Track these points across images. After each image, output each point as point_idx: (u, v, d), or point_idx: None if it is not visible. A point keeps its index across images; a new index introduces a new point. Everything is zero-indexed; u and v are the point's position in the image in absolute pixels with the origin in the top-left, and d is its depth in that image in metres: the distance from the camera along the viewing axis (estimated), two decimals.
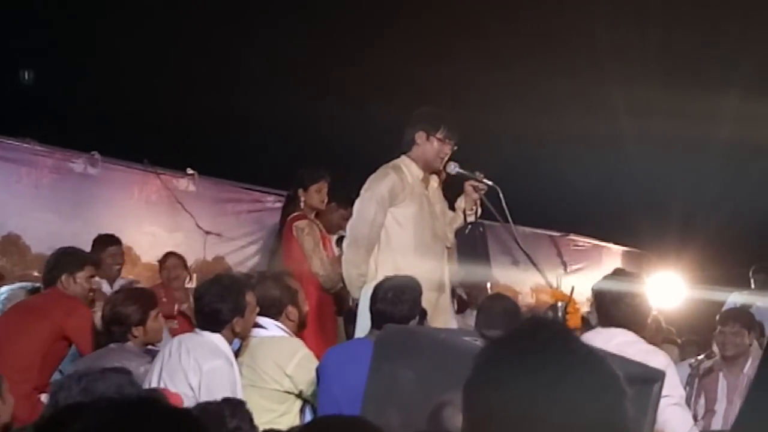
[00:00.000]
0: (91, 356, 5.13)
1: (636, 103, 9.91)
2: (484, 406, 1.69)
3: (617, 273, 5.06)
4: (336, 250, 6.96)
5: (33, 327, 5.45)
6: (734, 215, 10.52)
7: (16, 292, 6.20)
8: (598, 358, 1.71)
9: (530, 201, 7.97)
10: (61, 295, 5.66)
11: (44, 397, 4.96)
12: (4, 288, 6.37)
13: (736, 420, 3.15)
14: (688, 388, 6.34)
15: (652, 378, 3.43)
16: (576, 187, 10.15)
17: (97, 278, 6.08)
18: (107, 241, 7.39)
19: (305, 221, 6.86)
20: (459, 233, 6.17)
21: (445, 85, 9.17)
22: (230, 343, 5.01)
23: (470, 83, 9.38)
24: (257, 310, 5.13)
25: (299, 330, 5.57)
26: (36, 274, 7.26)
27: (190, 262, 8.13)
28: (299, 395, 5.25)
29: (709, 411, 6.42)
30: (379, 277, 5.43)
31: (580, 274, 10.75)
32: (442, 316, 6.09)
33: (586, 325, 5.25)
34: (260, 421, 4.86)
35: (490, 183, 5.97)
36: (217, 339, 4.92)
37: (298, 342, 5.39)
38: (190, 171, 8.98)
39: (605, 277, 4.86)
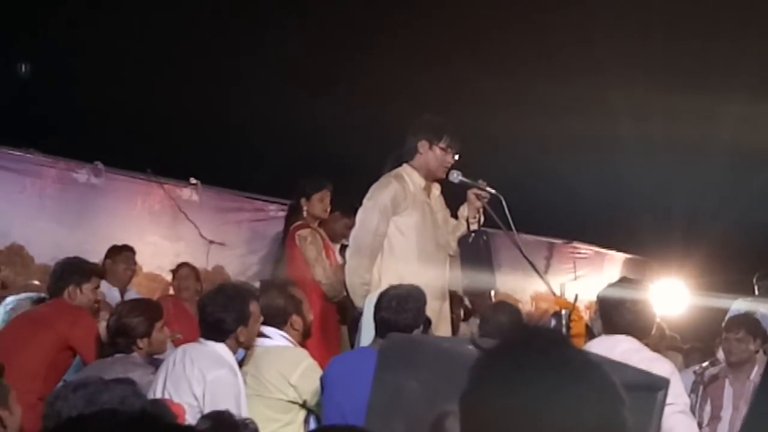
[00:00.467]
0: (95, 366, 5.14)
1: (638, 109, 9.91)
2: (479, 417, 1.69)
3: (622, 281, 5.06)
4: (339, 258, 6.96)
5: (38, 337, 5.46)
6: (737, 221, 10.51)
7: (21, 302, 6.20)
8: (594, 367, 1.70)
9: (532, 208, 7.97)
10: (67, 306, 5.67)
11: None
12: (10, 298, 6.37)
13: (742, 427, 3.14)
14: (692, 396, 6.33)
15: (657, 386, 3.41)
16: (578, 194, 10.15)
17: (106, 286, 6.10)
18: (122, 247, 7.54)
19: (308, 230, 6.87)
20: (462, 241, 6.17)
21: (447, 93, 9.18)
22: (234, 352, 5.01)
23: (472, 90, 9.39)
24: (261, 319, 5.14)
25: (304, 339, 5.57)
26: (39, 283, 7.28)
27: None
28: (303, 405, 5.24)
29: (715, 418, 6.40)
30: (383, 286, 5.43)
31: (583, 282, 10.74)
32: (445, 324, 6.10)
33: (589, 333, 5.25)
34: (265, 430, 4.88)
35: (493, 191, 5.98)
36: (221, 349, 4.92)
37: (302, 352, 5.39)
38: (193, 180, 9.00)
39: (609, 285, 4.86)
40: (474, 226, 6.16)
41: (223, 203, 9.31)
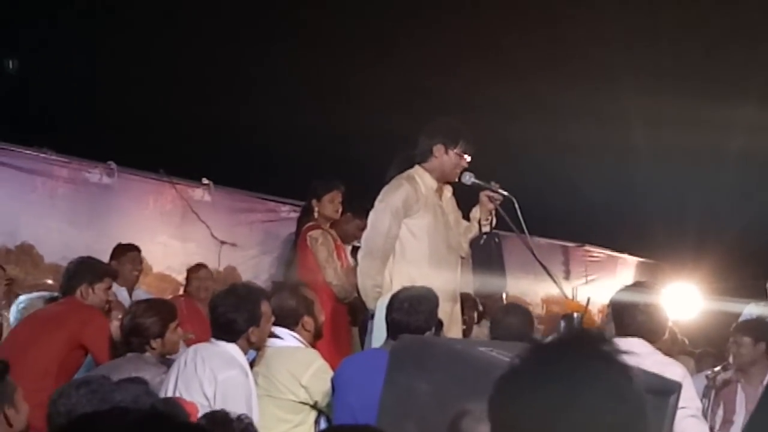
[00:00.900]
0: (107, 365, 5.14)
1: (650, 114, 9.89)
2: (508, 417, 1.70)
3: (636, 285, 5.04)
4: (351, 260, 6.96)
5: (50, 336, 5.47)
6: (750, 226, 10.48)
7: (33, 302, 6.22)
8: (628, 372, 1.72)
9: (545, 211, 7.96)
10: (79, 305, 5.68)
11: None
12: (22, 297, 6.39)
13: (746, 426, 3.14)
14: (705, 400, 6.30)
15: (669, 389, 3.41)
16: (591, 198, 10.13)
17: (114, 286, 6.11)
18: (127, 247, 7.53)
19: (319, 231, 6.88)
20: (474, 243, 6.15)
21: (460, 96, 9.17)
22: (246, 352, 5.01)
23: (485, 94, 9.37)
24: (273, 320, 5.14)
25: (315, 340, 5.57)
26: (51, 282, 7.29)
27: None
28: (314, 406, 5.24)
29: (727, 422, 6.38)
30: (394, 289, 5.43)
31: (595, 285, 10.73)
32: (456, 326, 6.09)
33: None
34: (275, 431, 4.88)
35: (505, 193, 5.96)
36: (232, 349, 4.92)
37: (313, 353, 5.39)
38: (205, 181, 9.01)
39: (622, 288, 4.85)
40: (486, 228, 6.15)
41: (235, 204, 9.31)
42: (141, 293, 7.36)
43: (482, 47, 9.55)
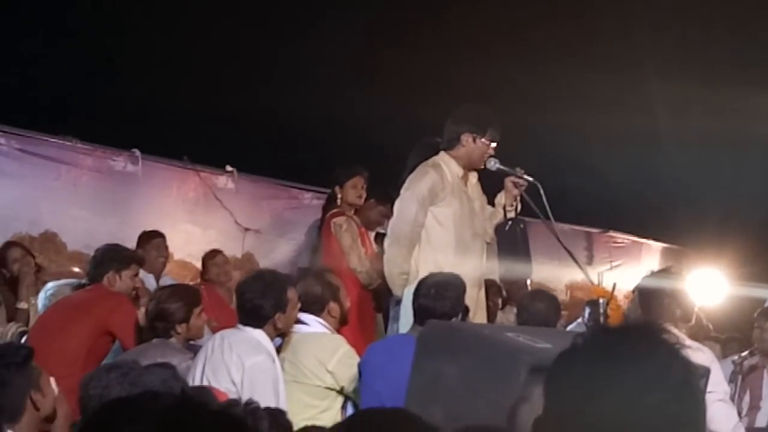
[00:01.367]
0: (133, 351, 5.17)
1: (675, 100, 9.86)
2: (558, 389, 1.75)
3: (662, 271, 5.04)
4: (375, 246, 6.96)
5: (78, 322, 5.51)
6: None
7: (61, 288, 6.25)
8: (685, 361, 1.81)
9: (569, 197, 7.95)
10: (106, 291, 5.71)
11: None
12: (50, 284, 6.43)
13: None
14: (731, 385, 6.28)
15: (697, 374, 3.40)
16: (615, 184, 10.10)
17: (142, 273, 6.13)
18: (152, 234, 7.56)
19: (343, 218, 6.89)
20: (499, 230, 6.13)
21: (485, 83, 9.15)
22: (272, 339, 5.03)
23: (510, 81, 9.36)
24: (299, 306, 5.15)
25: (340, 326, 5.58)
26: (78, 270, 7.32)
27: None
28: (341, 391, 5.26)
29: (754, 407, 6.36)
30: (420, 276, 5.43)
31: (620, 271, 10.68)
32: (481, 312, 6.09)
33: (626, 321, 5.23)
34: (302, 416, 4.90)
35: (530, 179, 5.93)
36: (259, 335, 4.94)
37: (339, 338, 5.40)
38: (229, 168, 9.02)
39: (649, 274, 4.85)
40: (511, 214, 6.12)
41: (258, 191, 9.32)
42: (168, 280, 7.38)
43: (507, 34, 9.52)
